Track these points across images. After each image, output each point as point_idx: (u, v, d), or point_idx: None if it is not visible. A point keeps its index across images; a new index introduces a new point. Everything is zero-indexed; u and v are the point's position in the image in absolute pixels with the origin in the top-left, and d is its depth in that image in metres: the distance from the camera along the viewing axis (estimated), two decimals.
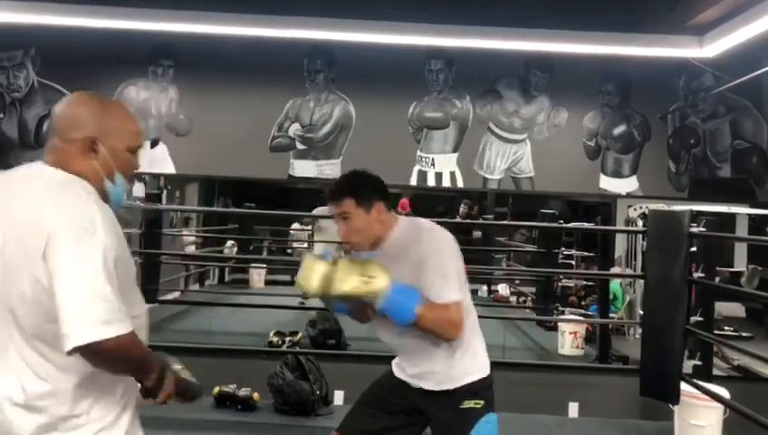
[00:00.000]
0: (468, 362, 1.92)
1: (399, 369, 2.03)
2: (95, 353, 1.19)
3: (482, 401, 1.90)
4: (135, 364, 1.31)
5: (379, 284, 1.74)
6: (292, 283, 7.02)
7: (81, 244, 1.22)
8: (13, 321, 1.28)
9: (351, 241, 1.89)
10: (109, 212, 1.34)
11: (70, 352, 1.19)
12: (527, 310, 7.35)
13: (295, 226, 8.72)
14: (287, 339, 4.84)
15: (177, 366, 1.44)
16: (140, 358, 1.31)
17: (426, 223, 1.98)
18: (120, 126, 1.41)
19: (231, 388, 4.05)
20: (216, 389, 4.06)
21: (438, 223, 2.05)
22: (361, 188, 1.91)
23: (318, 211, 7.21)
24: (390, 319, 1.80)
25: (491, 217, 8.19)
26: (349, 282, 1.74)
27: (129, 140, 1.41)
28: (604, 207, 5.94)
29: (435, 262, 1.81)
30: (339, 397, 4.15)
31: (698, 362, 4.30)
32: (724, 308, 6.27)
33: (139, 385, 1.36)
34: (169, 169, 4.87)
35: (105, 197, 1.38)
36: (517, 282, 8.05)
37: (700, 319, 4.36)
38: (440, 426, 1.95)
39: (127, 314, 1.25)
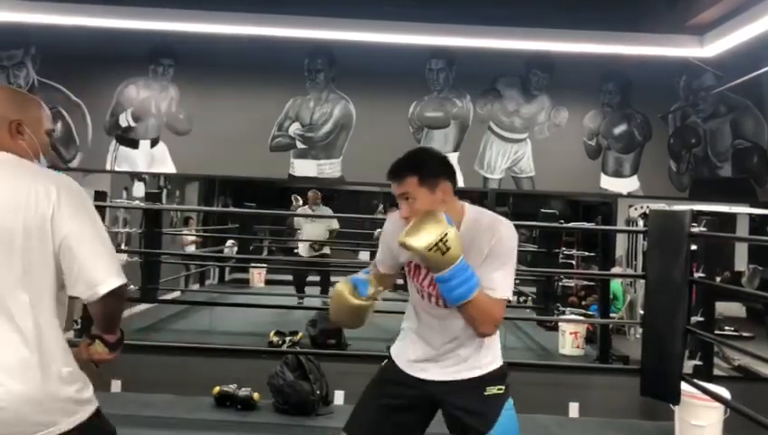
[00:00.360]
0: (494, 349, 1.95)
1: (409, 358, 1.96)
2: (117, 297, 1.47)
3: (504, 386, 1.94)
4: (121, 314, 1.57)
5: (454, 253, 1.68)
6: (292, 283, 7.05)
7: (82, 207, 1.48)
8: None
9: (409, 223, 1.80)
10: None
11: (102, 296, 1.44)
12: (528, 310, 7.36)
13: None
14: (287, 339, 4.84)
15: None
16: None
17: (496, 214, 1.94)
18: (38, 112, 1.59)
19: (231, 388, 4.06)
20: (217, 389, 4.06)
21: None
22: (425, 164, 1.78)
23: (300, 210, 7.34)
24: (442, 293, 1.76)
25: None
26: (425, 239, 1.67)
27: (46, 124, 1.60)
28: (605, 206, 5.93)
29: (505, 256, 1.81)
30: (339, 397, 4.15)
31: (699, 363, 4.30)
32: (725, 308, 6.27)
33: (97, 341, 1.57)
34: (169, 168, 4.87)
35: None
36: (518, 282, 8.04)
37: (701, 319, 4.36)
38: (464, 416, 1.88)
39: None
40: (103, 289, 1.43)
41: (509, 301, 1.84)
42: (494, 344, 1.96)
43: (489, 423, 1.86)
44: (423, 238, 1.66)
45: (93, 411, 1.51)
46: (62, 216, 1.42)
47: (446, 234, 1.67)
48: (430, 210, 1.73)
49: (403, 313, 2.10)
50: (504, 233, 1.82)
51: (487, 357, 1.93)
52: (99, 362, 1.59)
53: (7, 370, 1.38)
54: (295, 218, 7.90)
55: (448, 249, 1.67)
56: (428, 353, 1.93)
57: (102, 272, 1.44)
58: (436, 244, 1.66)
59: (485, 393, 1.89)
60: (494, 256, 1.80)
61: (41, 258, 1.42)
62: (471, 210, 1.89)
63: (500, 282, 1.79)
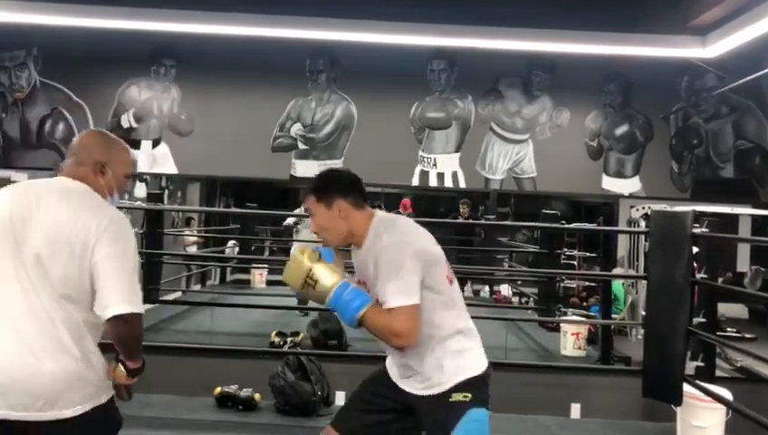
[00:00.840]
0: (455, 362, 1.85)
1: (390, 369, 2.02)
2: (126, 324, 1.62)
3: (470, 395, 1.84)
4: (139, 342, 1.71)
5: (324, 284, 1.77)
6: None
7: (121, 241, 1.66)
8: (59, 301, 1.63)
9: (321, 237, 1.91)
10: None
11: (108, 320, 1.60)
12: (529, 311, 7.34)
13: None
14: (289, 339, 4.84)
15: None
16: (141, 338, 1.71)
17: (392, 219, 1.93)
18: (121, 157, 1.82)
19: (232, 388, 4.05)
20: (218, 389, 4.06)
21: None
22: (320, 184, 1.89)
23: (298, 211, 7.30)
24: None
25: (493, 217, 8.18)
26: (294, 279, 1.80)
27: (126, 169, 1.84)
28: (606, 207, 5.92)
29: (388, 262, 1.76)
30: (340, 398, 4.14)
31: (701, 364, 4.28)
32: (727, 309, 6.25)
33: (119, 365, 1.72)
34: (171, 168, 4.87)
35: None
36: (519, 282, 8.03)
37: (703, 320, 4.34)
38: (429, 423, 1.90)
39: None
40: (110, 312, 1.60)
41: (415, 307, 1.75)
42: (454, 358, 1.86)
43: (445, 431, 1.82)
44: (293, 279, 1.82)
45: (110, 398, 1.71)
46: (102, 244, 1.62)
47: (309, 269, 1.79)
48: (301, 248, 1.85)
49: None
50: (385, 241, 1.79)
51: (445, 373, 1.84)
52: (119, 385, 1.75)
53: (49, 352, 1.59)
54: (291, 220, 7.85)
55: (316, 282, 1.78)
56: (398, 369, 1.97)
57: (114, 297, 1.61)
58: (305, 281, 1.80)
59: (450, 399, 1.84)
60: (381, 266, 1.77)
61: (78, 273, 1.61)
62: (377, 223, 1.87)
63: (390, 291, 1.74)
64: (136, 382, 1.77)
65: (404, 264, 1.76)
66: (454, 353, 1.86)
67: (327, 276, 1.78)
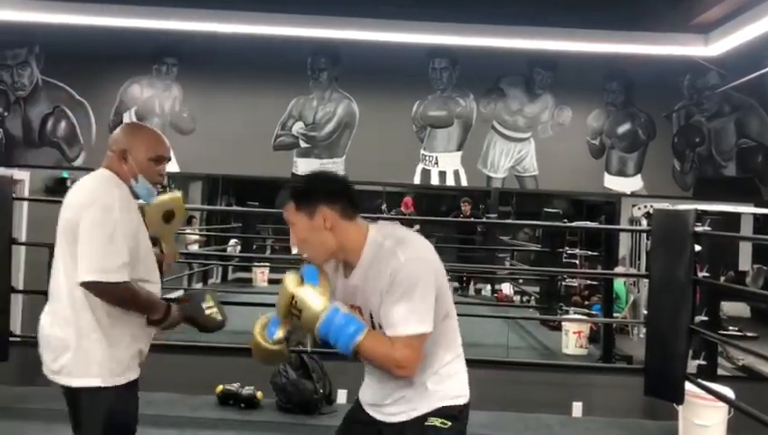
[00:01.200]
0: (443, 387, 1.67)
1: (364, 399, 1.82)
2: (97, 291, 1.78)
3: (449, 423, 1.64)
4: (134, 305, 1.86)
5: (311, 310, 1.54)
6: None
7: (102, 216, 1.79)
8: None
9: (305, 253, 1.64)
10: (130, 199, 1.94)
11: (82, 284, 1.77)
12: (531, 309, 7.34)
13: None
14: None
15: (207, 304, 2.06)
16: (141, 300, 1.86)
17: (403, 234, 1.65)
18: (144, 142, 1.97)
19: (234, 386, 4.06)
20: (220, 387, 4.07)
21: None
22: (301, 190, 1.62)
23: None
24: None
25: (494, 215, 8.17)
26: (280, 308, 1.58)
27: (148, 153, 1.96)
28: (608, 206, 5.91)
29: (406, 286, 1.53)
30: (342, 396, 4.15)
31: (703, 362, 4.28)
32: (729, 308, 6.25)
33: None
34: (173, 167, 4.87)
35: (134, 192, 1.97)
36: (521, 281, 8.03)
37: (705, 319, 4.34)
38: None
39: (122, 269, 1.79)
40: (80, 278, 1.77)
41: (424, 334, 1.55)
42: (447, 382, 1.68)
43: None
44: (279, 307, 1.59)
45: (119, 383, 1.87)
46: (87, 214, 1.79)
47: (292, 297, 1.55)
48: (293, 274, 1.60)
49: None
50: (402, 259, 1.54)
51: (431, 396, 1.65)
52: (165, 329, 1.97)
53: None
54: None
55: (300, 311, 1.55)
56: (375, 396, 1.76)
57: (85, 264, 1.77)
58: (289, 310, 1.57)
59: (426, 423, 1.64)
60: (394, 286, 1.54)
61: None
62: (375, 234, 1.63)
63: (400, 317, 1.52)
64: (168, 328, 1.96)
65: (420, 287, 1.54)
66: (442, 378, 1.68)
67: (313, 301, 1.54)
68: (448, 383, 1.69)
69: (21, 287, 4.34)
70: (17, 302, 4.35)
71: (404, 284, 1.53)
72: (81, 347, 1.82)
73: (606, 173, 4.89)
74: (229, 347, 4.50)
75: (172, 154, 4.86)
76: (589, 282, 7.00)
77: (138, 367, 1.96)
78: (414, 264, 1.56)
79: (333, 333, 1.54)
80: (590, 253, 7.09)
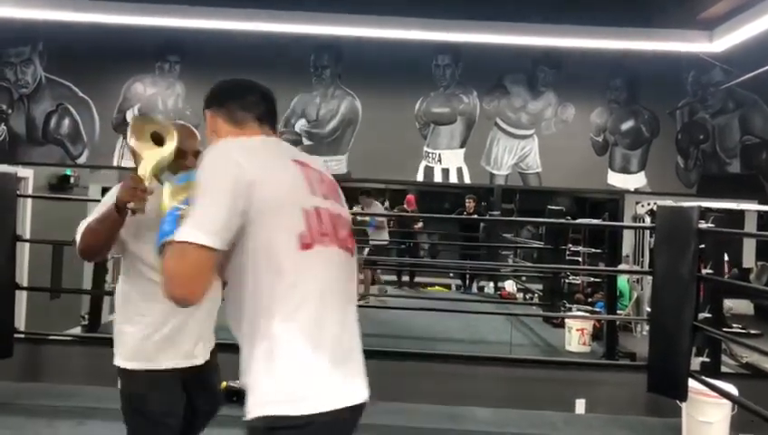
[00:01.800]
0: (267, 378, 1.31)
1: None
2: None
3: None
4: (94, 232, 1.96)
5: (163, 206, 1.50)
6: None
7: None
8: None
9: None
10: None
11: None
12: (534, 306, 7.34)
13: None
14: None
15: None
16: (98, 224, 1.95)
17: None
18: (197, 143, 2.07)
19: (238, 383, 4.06)
20: (224, 384, 4.06)
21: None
22: (208, 93, 1.57)
23: None
24: None
25: (498, 213, 8.17)
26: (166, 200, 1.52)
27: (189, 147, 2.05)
28: (612, 203, 5.91)
29: (198, 186, 1.30)
30: None
31: (706, 359, 4.28)
32: (733, 305, 6.24)
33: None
34: None
35: None
36: (524, 278, 8.03)
37: (708, 316, 4.34)
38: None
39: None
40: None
41: (206, 248, 1.23)
42: (273, 368, 1.31)
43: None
44: (152, 169, 1.85)
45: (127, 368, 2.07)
46: None
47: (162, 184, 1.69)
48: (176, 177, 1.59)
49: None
50: (204, 159, 1.34)
51: (256, 390, 1.33)
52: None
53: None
54: None
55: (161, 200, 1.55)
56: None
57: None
58: (157, 179, 1.86)
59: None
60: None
61: None
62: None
63: (186, 222, 1.27)
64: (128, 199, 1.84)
65: (208, 186, 1.30)
66: (262, 352, 1.39)
67: (165, 197, 1.52)
68: (272, 372, 1.34)
69: (25, 284, 4.36)
70: (21, 298, 4.37)
71: (198, 184, 1.30)
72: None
73: (609, 170, 4.88)
74: (233, 344, 4.52)
75: None
76: (592, 279, 7.00)
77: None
78: (209, 164, 1.32)
79: (160, 228, 1.39)
80: (593, 250, 7.10)
